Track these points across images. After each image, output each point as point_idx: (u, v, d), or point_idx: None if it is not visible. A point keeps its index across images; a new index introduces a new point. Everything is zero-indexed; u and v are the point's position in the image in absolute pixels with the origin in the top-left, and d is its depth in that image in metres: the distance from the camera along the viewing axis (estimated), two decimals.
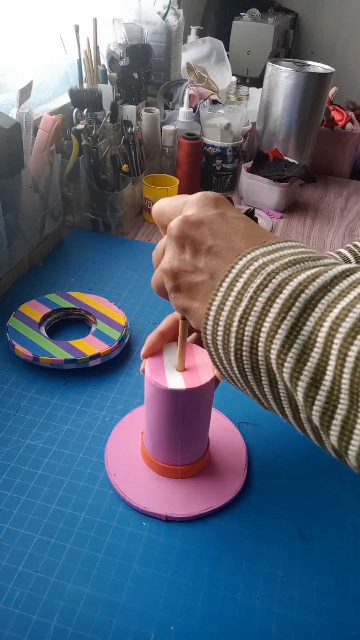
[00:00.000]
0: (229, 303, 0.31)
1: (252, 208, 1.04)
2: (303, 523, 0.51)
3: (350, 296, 0.27)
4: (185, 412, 0.47)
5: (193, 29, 1.54)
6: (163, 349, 0.49)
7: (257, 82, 1.84)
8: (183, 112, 1.10)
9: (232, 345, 0.30)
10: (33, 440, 0.57)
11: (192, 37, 1.52)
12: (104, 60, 1.08)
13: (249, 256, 0.31)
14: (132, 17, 1.21)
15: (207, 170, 1.15)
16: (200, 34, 1.53)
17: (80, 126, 0.89)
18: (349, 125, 1.32)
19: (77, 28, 0.97)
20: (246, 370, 0.31)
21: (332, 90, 1.40)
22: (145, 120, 1.05)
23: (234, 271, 0.31)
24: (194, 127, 1.12)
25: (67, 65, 1.06)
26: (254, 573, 0.47)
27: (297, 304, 0.28)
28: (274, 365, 0.29)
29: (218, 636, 0.42)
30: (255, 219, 1.02)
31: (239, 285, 0.30)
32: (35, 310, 0.72)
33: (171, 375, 0.46)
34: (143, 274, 0.87)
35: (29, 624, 0.42)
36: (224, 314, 0.31)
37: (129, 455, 0.55)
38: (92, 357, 0.64)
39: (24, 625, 0.42)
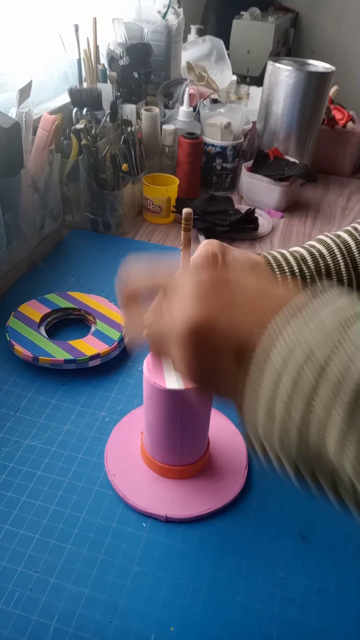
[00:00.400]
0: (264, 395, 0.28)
1: (252, 207, 1.04)
2: (303, 524, 0.51)
3: None
4: (184, 412, 0.47)
5: (193, 28, 1.53)
6: None
7: (258, 81, 1.83)
8: (183, 111, 1.10)
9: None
10: (32, 440, 0.57)
11: (192, 36, 1.52)
12: (103, 60, 1.08)
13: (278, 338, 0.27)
14: (132, 16, 1.20)
15: (207, 169, 1.15)
16: (201, 33, 1.53)
17: (79, 125, 0.89)
18: (349, 124, 1.31)
19: (76, 27, 0.97)
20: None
21: (332, 89, 1.39)
22: (145, 119, 1.05)
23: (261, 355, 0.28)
24: (194, 126, 1.11)
25: (66, 64, 1.05)
26: (255, 574, 0.47)
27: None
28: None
29: (218, 637, 0.42)
30: (256, 219, 1.02)
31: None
32: (34, 310, 0.72)
33: (170, 375, 0.46)
34: None
35: (29, 624, 0.42)
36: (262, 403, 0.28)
37: (128, 455, 0.55)
38: (92, 357, 0.64)
39: (24, 626, 0.42)
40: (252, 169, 1.12)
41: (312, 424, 0.26)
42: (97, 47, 1.02)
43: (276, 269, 0.48)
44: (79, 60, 1.01)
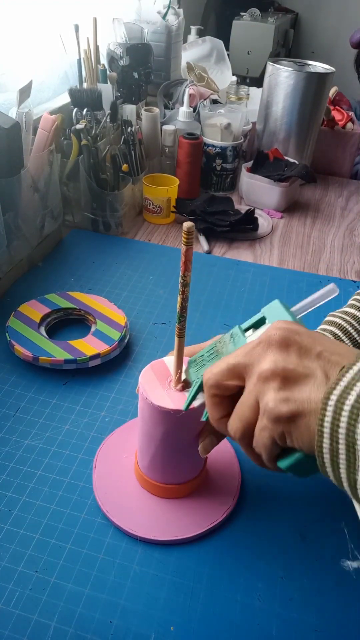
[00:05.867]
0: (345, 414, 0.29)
1: (252, 208, 1.04)
2: (303, 523, 0.51)
3: None
4: (178, 431, 0.45)
5: (193, 29, 1.54)
6: (164, 363, 0.47)
7: (258, 81, 1.84)
8: (183, 111, 1.10)
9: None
10: (33, 440, 0.57)
11: (192, 36, 1.52)
12: (103, 60, 1.08)
13: None
14: (132, 16, 1.21)
15: (207, 170, 1.15)
16: (201, 34, 1.53)
17: (80, 126, 0.89)
18: (349, 125, 1.32)
19: (77, 27, 0.97)
20: None
21: (332, 90, 1.40)
22: (145, 119, 1.05)
23: (350, 374, 0.29)
24: (194, 126, 1.11)
25: (67, 64, 1.05)
26: (254, 573, 0.47)
27: None
28: None
29: (218, 637, 0.42)
30: (256, 219, 1.02)
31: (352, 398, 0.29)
32: (34, 310, 0.72)
33: (163, 392, 0.44)
34: (143, 274, 0.87)
35: (29, 624, 0.42)
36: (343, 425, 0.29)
37: (119, 477, 0.53)
38: (92, 357, 0.64)
39: (24, 625, 0.42)
40: (251, 170, 1.13)
41: None
42: (97, 47, 1.02)
43: None
44: (79, 61, 1.01)
